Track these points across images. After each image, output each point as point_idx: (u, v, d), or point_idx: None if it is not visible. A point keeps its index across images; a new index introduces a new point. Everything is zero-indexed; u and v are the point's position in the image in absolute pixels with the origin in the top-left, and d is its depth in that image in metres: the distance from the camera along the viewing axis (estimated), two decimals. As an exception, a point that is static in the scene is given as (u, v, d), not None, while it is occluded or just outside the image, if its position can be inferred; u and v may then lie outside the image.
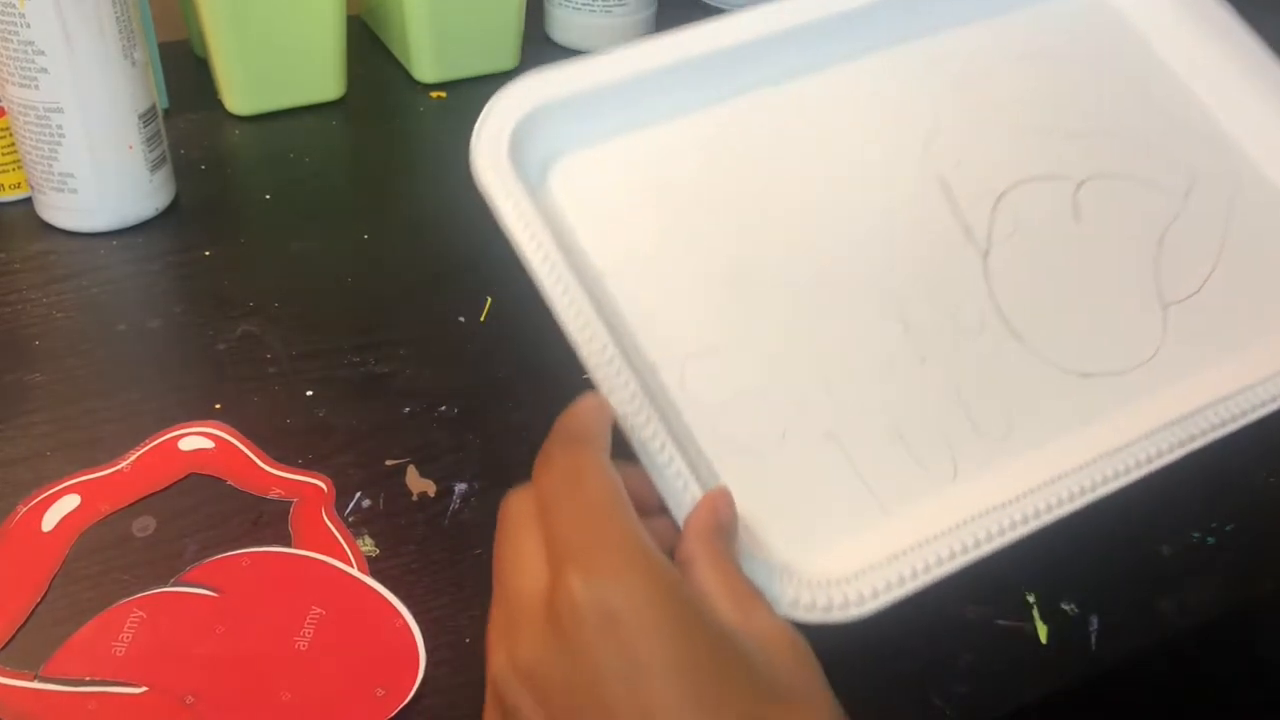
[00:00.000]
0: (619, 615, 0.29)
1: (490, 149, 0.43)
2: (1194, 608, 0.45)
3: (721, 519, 0.35)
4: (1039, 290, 0.46)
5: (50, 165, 0.57)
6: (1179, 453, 0.41)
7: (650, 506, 0.36)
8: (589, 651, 0.29)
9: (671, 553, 0.34)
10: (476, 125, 0.43)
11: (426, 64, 0.74)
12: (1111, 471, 0.40)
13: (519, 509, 0.33)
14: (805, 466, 0.41)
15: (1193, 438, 0.42)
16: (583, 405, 0.36)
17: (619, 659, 0.29)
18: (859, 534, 0.39)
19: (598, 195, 0.45)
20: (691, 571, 0.33)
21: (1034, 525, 0.39)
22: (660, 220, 0.45)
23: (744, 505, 0.38)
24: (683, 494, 0.37)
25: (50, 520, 0.45)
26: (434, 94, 0.74)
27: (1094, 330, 0.46)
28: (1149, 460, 0.41)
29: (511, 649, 0.31)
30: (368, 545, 0.44)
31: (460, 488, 0.47)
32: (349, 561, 0.44)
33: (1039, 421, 0.43)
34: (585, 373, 0.39)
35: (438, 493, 0.47)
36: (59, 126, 0.56)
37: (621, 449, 0.36)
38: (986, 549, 0.38)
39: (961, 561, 0.38)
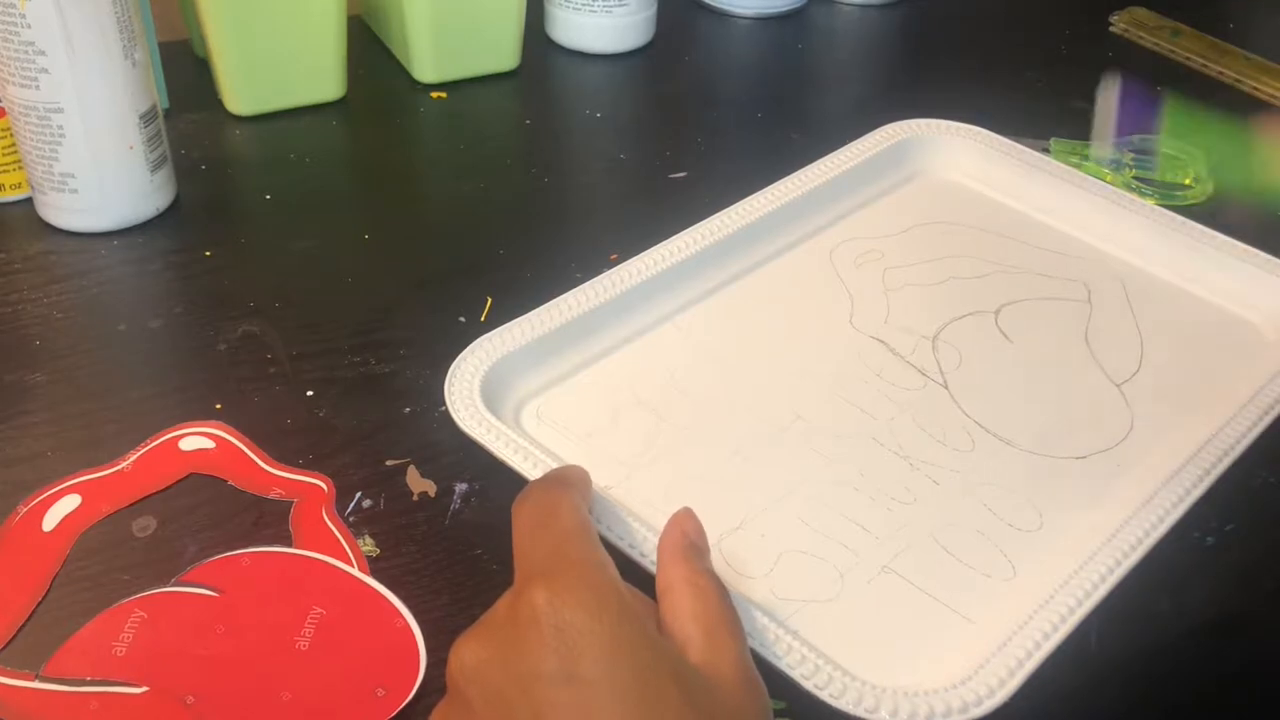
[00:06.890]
0: (570, 627, 0.31)
1: (464, 403, 0.47)
2: (1194, 608, 0.45)
3: (691, 535, 0.37)
4: (1005, 401, 0.51)
5: (51, 165, 0.57)
6: (1200, 490, 0.45)
7: None
8: (534, 654, 0.31)
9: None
10: (445, 383, 0.48)
11: (426, 64, 0.74)
12: (1156, 518, 0.44)
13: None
14: (879, 599, 0.43)
15: (1199, 479, 0.46)
16: (567, 465, 0.41)
17: (558, 666, 0.30)
18: (954, 645, 0.41)
19: (573, 423, 0.49)
20: (669, 600, 0.35)
21: (1118, 575, 0.42)
22: (640, 429, 0.49)
23: (831, 644, 0.40)
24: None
25: (51, 520, 0.45)
26: (434, 94, 0.74)
27: (1071, 420, 0.50)
28: (1180, 500, 0.45)
29: (471, 648, 0.32)
30: (368, 545, 0.44)
31: (461, 488, 0.47)
32: (349, 561, 0.44)
33: (1061, 504, 0.47)
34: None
35: (438, 493, 0.47)
36: (59, 127, 0.56)
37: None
38: (1080, 613, 0.41)
39: (1064, 631, 0.40)
